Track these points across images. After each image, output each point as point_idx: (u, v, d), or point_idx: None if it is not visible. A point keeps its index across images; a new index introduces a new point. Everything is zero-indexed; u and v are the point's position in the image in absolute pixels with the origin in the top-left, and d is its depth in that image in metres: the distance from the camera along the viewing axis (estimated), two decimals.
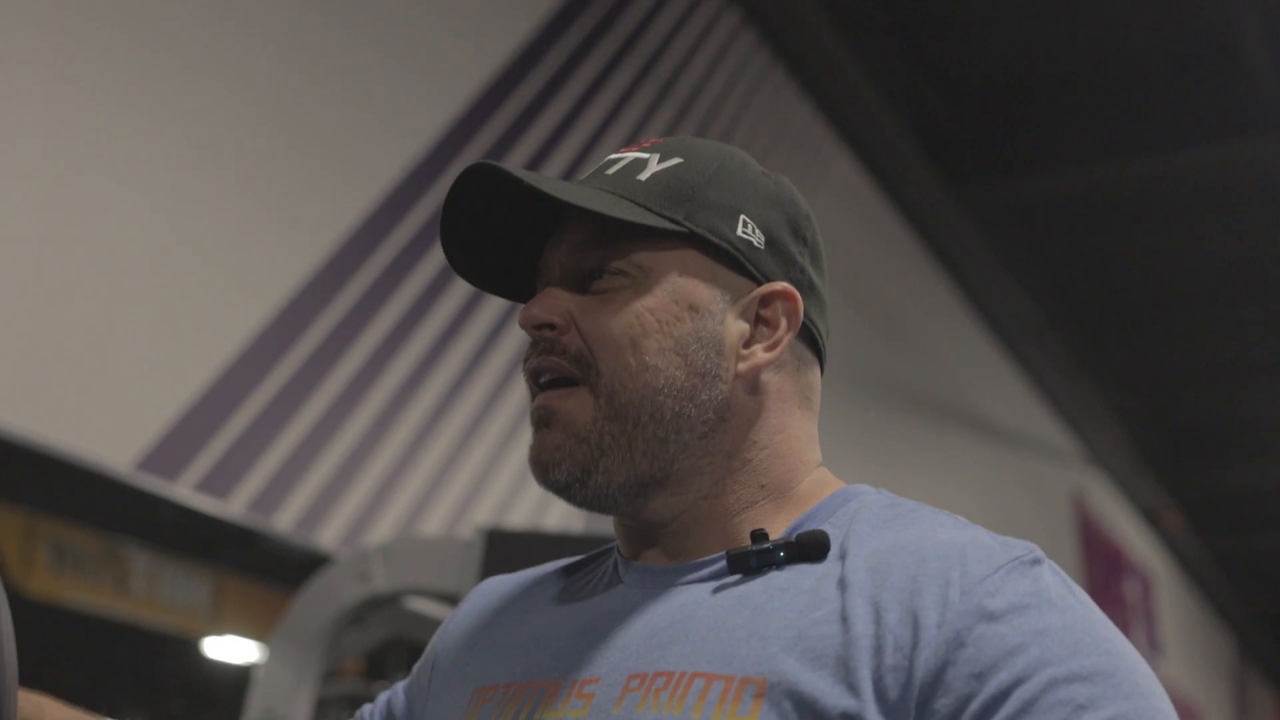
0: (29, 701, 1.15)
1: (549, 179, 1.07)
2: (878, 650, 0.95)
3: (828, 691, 0.94)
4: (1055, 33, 7.49)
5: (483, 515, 4.53)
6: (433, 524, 4.43)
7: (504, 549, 2.48)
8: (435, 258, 4.52)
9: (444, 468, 4.55)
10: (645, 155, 1.12)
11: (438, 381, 4.58)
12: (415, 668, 1.25)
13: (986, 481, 9.88)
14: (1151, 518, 13.87)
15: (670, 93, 6.41)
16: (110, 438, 3.43)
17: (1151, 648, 13.83)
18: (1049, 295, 10.00)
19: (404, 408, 4.43)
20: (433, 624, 2.70)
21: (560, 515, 4.46)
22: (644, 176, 1.10)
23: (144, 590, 4.64)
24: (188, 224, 3.81)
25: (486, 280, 1.17)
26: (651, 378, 1.05)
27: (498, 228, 1.12)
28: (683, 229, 1.07)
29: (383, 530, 4.21)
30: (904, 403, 8.68)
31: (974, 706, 0.93)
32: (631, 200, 1.08)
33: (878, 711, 0.94)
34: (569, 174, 5.42)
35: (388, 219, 4.45)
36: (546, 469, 1.07)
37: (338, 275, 4.24)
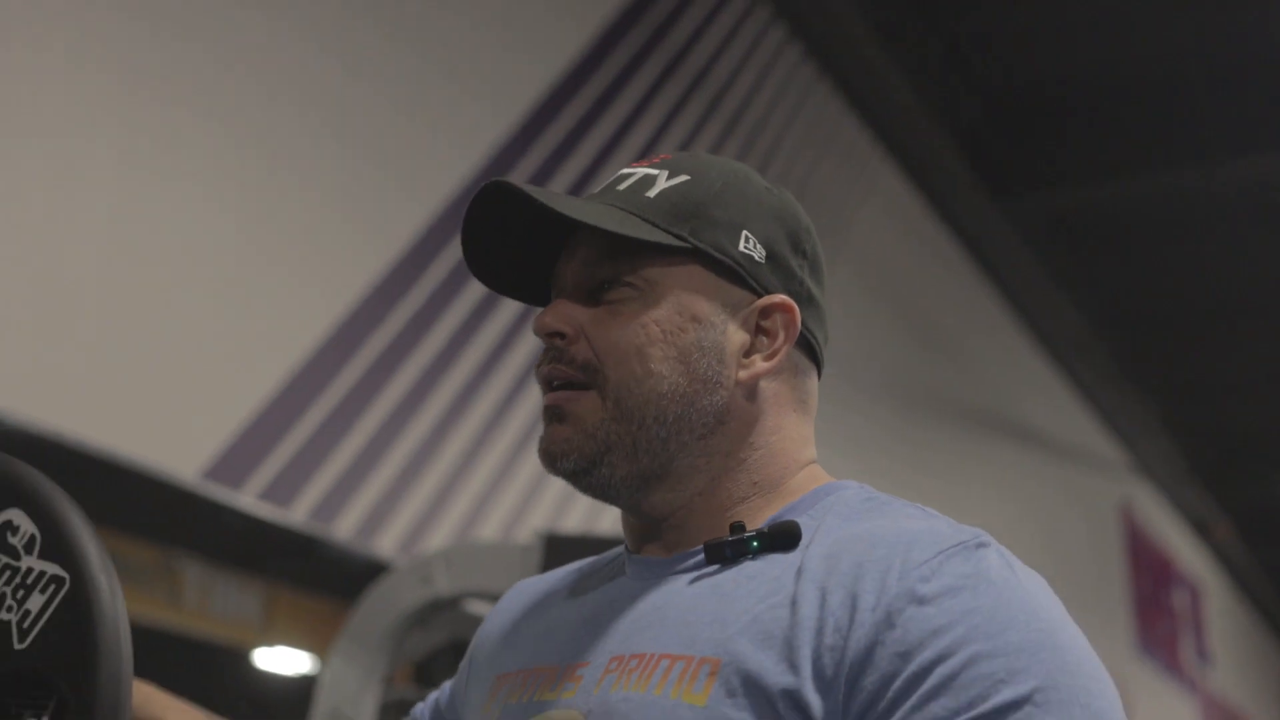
0: (138, 691, 1.23)
1: (562, 196, 1.14)
2: (819, 632, 1.00)
3: (771, 670, 1.00)
4: (1099, 45, 7.52)
5: (535, 521, 4.61)
6: (487, 530, 4.51)
7: (561, 552, 2.55)
8: None
9: (499, 475, 4.64)
10: (655, 171, 1.18)
11: (493, 390, 4.66)
12: (460, 664, 1.34)
13: (1033, 493, 9.88)
14: (1200, 528, 13.83)
15: (718, 107, 6.48)
16: (177, 447, 3.53)
17: (1200, 658, 13.77)
18: (1095, 306, 10.01)
19: (460, 416, 4.52)
20: None
21: (613, 520, 4.53)
22: (652, 194, 1.15)
23: (196, 602, 4.71)
24: (253, 236, 3.91)
25: (506, 284, 1.24)
26: (656, 384, 1.12)
27: (517, 237, 1.20)
28: (688, 245, 1.13)
29: (438, 538, 4.30)
30: (949, 415, 8.71)
31: (898, 684, 0.97)
32: (640, 217, 1.14)
33: (814, 689, 0.99)
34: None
35: (445, 231, 4.55)
36: (555, 459, 1.15)
37: (397, 286, 4.34)
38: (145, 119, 3.62)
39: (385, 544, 4.16)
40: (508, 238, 1.19)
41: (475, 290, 4.61)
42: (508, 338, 4.73)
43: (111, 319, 3.46)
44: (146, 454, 3.41)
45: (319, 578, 4.60)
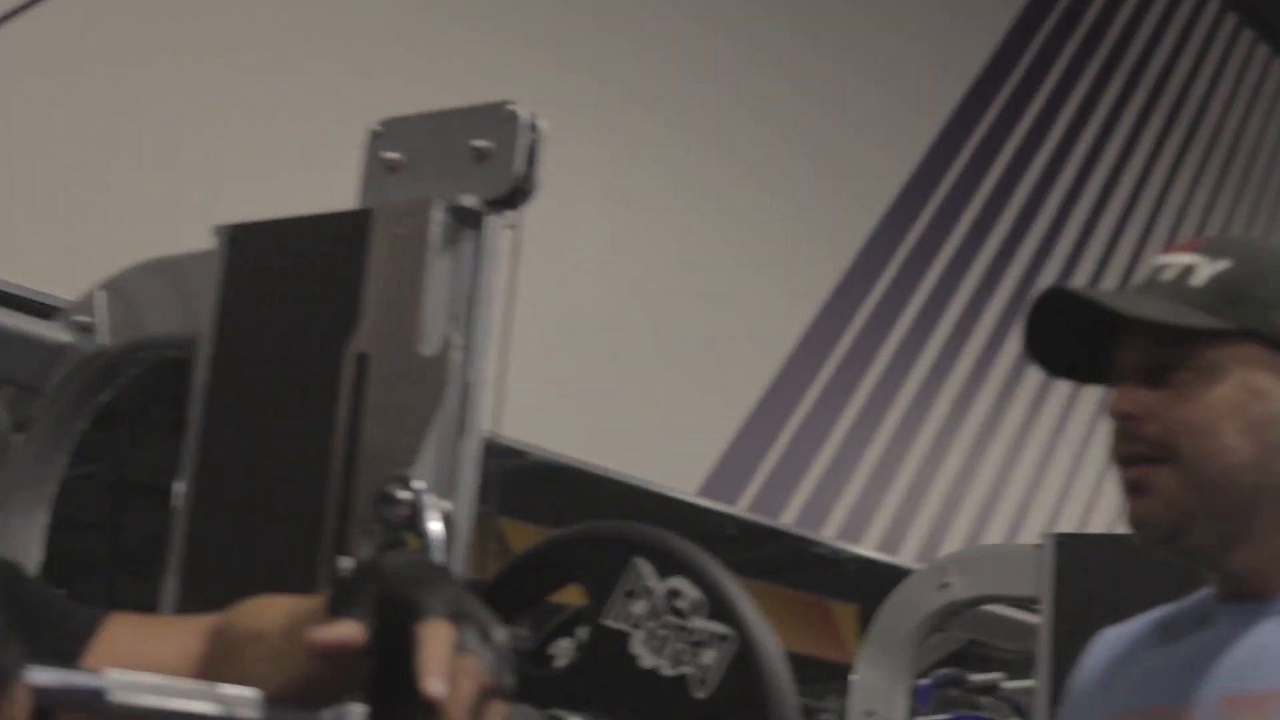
0: None
1: (1120, 296, 1.29)
2: None
3: None
4: None
5: (1035, 524, 4.67)
6: (958, 532, 4.59)
7: (1073, 553, 2.60)
8: (936, 272, 4.68)
9: (1001, 479, 4.73)
10: (1194, 260, 1.28)
11: (989, 390, 4.77)
12: (1058, 710, 1.49)
13: None
14: None
15: (1142, 75, 6.37)
16: (677, 469, 3.75)
17: None
18: None
19: (922, 414, 4.61)
20: (1011, 626, 2.87)
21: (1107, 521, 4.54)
22: (1198, 282, 1.26)
23: None
24: (726, 255, 4.14)
25: (1057, 365, 1.37)
26: (1229, 456, 1.23)
27: (1070, 328, 1.32)
28: (1241, 327, 1.24)
29: (914, 539, 4.41)
30: None
31: None
32: (1192, 306, 1.25)
33: None
34: (1054, 164, 5.58)
35: (889, 237, 4.67)
36: (1142, 529, 1.27)
37: (851, 293, 4.48)
38: (629, 145, 3.87)
39: (866, 545, 4.30)
40: (1062, 329, 1.33)
41: (925, 288, 4.72)
42: (1000, 332, 4.83)
43: (609, 349, 3.71)
44: (652, 477, 3.65)
45: (806, 578, 4.76)
